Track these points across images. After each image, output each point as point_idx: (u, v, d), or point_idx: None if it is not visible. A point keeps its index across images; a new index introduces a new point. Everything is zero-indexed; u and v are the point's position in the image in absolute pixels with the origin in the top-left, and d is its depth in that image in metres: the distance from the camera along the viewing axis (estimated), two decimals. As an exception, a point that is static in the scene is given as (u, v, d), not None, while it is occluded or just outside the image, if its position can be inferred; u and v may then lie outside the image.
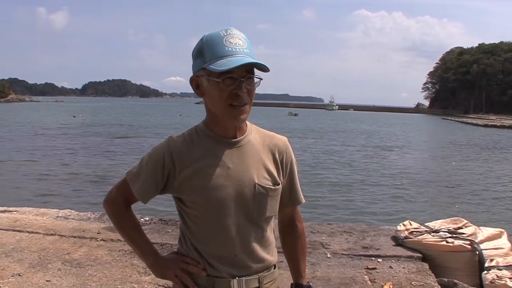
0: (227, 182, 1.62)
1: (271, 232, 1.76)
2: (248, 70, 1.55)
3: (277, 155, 1.73)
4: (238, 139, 1.67)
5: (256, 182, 1.65)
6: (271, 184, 1.68)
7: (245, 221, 1.65)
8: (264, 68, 1.56)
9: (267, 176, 1.68)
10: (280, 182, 1.72)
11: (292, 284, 1.90)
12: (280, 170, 1.74)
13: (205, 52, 1.55)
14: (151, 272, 4.06)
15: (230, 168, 1.63)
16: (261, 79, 1.59)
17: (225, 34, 1.55)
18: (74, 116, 64.66)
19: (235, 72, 1.52)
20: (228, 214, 1.62)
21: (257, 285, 1.68)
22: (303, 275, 1.90)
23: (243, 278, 1.65)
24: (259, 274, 1.69)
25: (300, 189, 1.85)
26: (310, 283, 1.93)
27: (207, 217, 1.63)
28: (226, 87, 1.53)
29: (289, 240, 1.89)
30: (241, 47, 1.54)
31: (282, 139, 1.79)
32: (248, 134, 1.70)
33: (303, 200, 1.86)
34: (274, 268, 1.77)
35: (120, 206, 1.76)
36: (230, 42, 1.54)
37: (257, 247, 1.68)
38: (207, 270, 1.65)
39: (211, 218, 1.63)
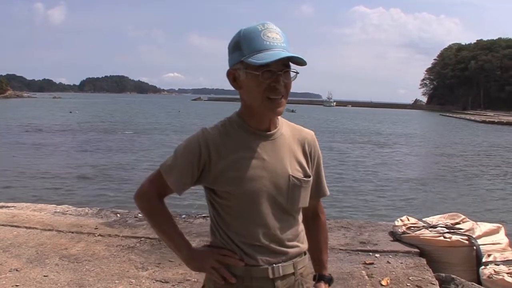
0: (262, 174, 1.66)
1: (301, 222, 1.81)
2: (285, 64, 1.59)
3: (306, 148, 1.79)
4: (272, 132, 1.72)
5: (290, 173, 1.70)
6: (303, 176, 1.73)
7: (279, 211, 1.69)
8: (301, 62, 1.60)
9: (299, 168, 1.73)
10: (311, 174, 1.78)
11: (315, 275, 1.93)
12: (309, 162, 1.79)
13: (243, 45, 1.60)
14: (148, 267, 4.05)
15: (265, 160, 1.67)
16: (297, 73, 1.64)
17: (263, 28, 1.60)
18: (70, 112, 64.62)
19: (273, 65, 1.56)
20: (263, 205, 1.66)
21: (292, 270, 1.72)
22: (325, 266, 1.95)
23: (279, 264, 1.69)
24: (293, 260, 1.73)
25: (325, 182, 1.91)
26: (331, 275, 1.97)
27: (241, 208, 1.66)
28: (264, 80, 1.58)
29: (313, 231, 1.92)
30: (278, 41, 1.59)
31: (310, 133, 1.85)
32: (280, 127, 1.75)
33: (328, 193, 1.93)
34: (305, 254, 1.81)
35: (153, 200, 1.75)
36: (267, 36, 1.58)
37: (290, 236, 1.72)
38: (244, 260, 1.67)
39: (245, 209, 1.66)
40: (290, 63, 1.61)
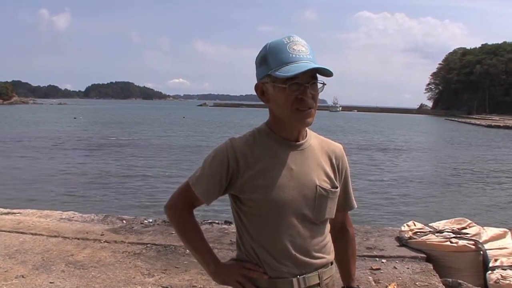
0: (290, 183, 1.66)
1: (328, 232, 1.80)
2: (312, 76, 1.61)
3: (334, 160, 1.79)
4: (301, 142, 1.72)
5: (318, 184, 1.70)
6: (330, 187, 1.73)
7: (305, 221, 1.69)
8: (327, 73, 1.61)
9: (326, 179, 1.73)
10: (338, 186, 1.77)
11: (343, 287, 1.93)
12: (337, 174, 1.79)
13: (269, 59, 1.62)
14: (154, 274, 4.05)
15: (293, 170, 1.68)
16: (324, 84, 1.64)
17: (288, 41, 1.62)
18: (75, 118, 64.84)
19: (300, 78, 1.57)
20: (288, 214, 1.66)
21: (318, 281, 1.71)
22: (353, 278, 1.94)
23: (304, 275, 1.68)
24: (318, 271, 1.72)
25: (353, 195, 1.91)
26: (360, 286, 1.97)
27: (267, 217, 1.66)
28: (291, 93, 1.59)
29: (341, 244, 1.92)
30: (304, 54, 1.60)
31: (338, 146, 1.86)
32: (308, 138, 1.75)
33: (356, 206, 1.93)
34: (331, 264, 1.80)
35: (183, 212, 1.79)
36: (293, 48, 1.60)
37: (316, 246, 1.72)
38: (268, 273, 1.67)
39: (271, 218, 1.66)
40: (317, 75, 1.62)
